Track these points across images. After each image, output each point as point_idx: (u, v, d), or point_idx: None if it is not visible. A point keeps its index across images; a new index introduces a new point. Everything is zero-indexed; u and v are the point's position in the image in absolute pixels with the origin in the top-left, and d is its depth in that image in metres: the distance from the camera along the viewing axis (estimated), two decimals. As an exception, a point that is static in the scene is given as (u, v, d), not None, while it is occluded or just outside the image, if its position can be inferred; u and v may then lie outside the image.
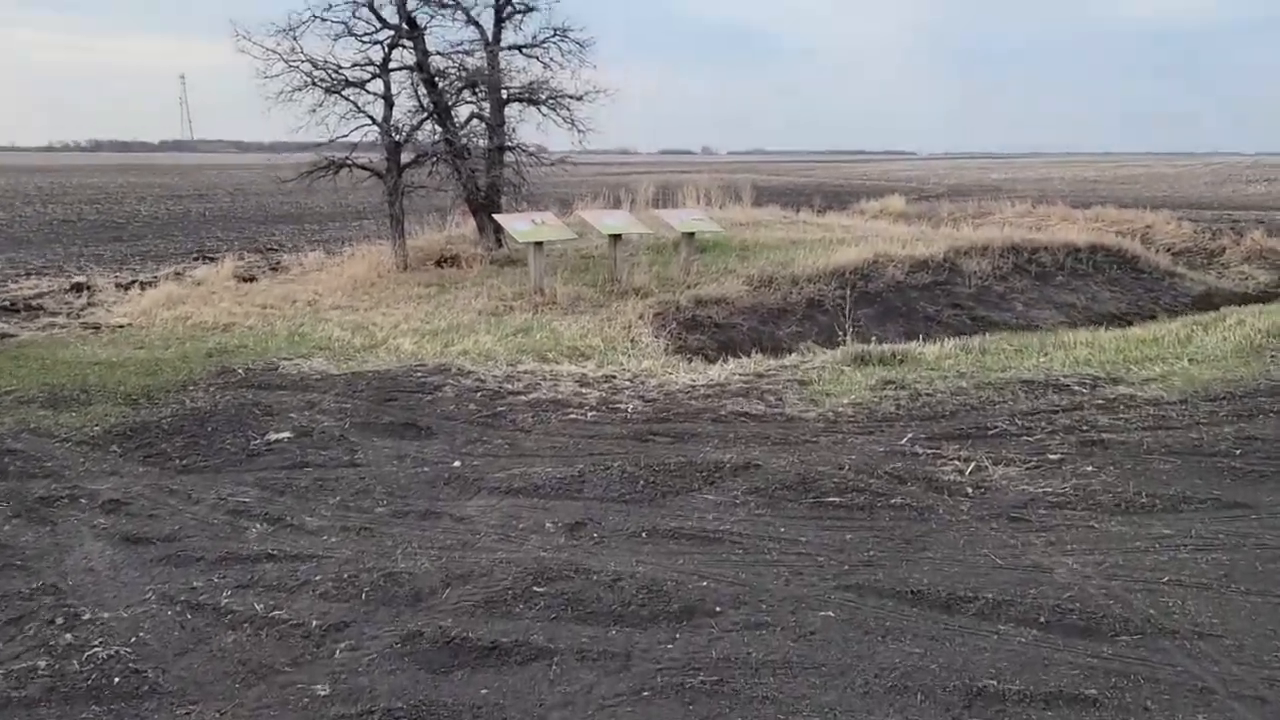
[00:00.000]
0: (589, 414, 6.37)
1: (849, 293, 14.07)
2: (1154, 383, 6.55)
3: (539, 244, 11.95)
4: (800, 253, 15.86)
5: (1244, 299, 17.78)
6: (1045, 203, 29.74)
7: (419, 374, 7.55)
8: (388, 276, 13.70)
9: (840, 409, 6.37)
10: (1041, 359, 7.60)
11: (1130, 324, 16.11)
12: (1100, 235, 19.40)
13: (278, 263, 16.59)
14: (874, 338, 13.18)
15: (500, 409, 6.53)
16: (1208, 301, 17.46)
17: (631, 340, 9.98)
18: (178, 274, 14.52)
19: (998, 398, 6.41)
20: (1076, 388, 6.51)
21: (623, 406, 6.56)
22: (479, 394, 6.93)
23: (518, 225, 11.98)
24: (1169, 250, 21.23)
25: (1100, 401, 6.18)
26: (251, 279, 13.86)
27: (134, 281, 13.76)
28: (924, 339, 13.91)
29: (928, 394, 6.64)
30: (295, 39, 13.64)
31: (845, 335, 9.31)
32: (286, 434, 5.92)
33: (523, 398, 6.86)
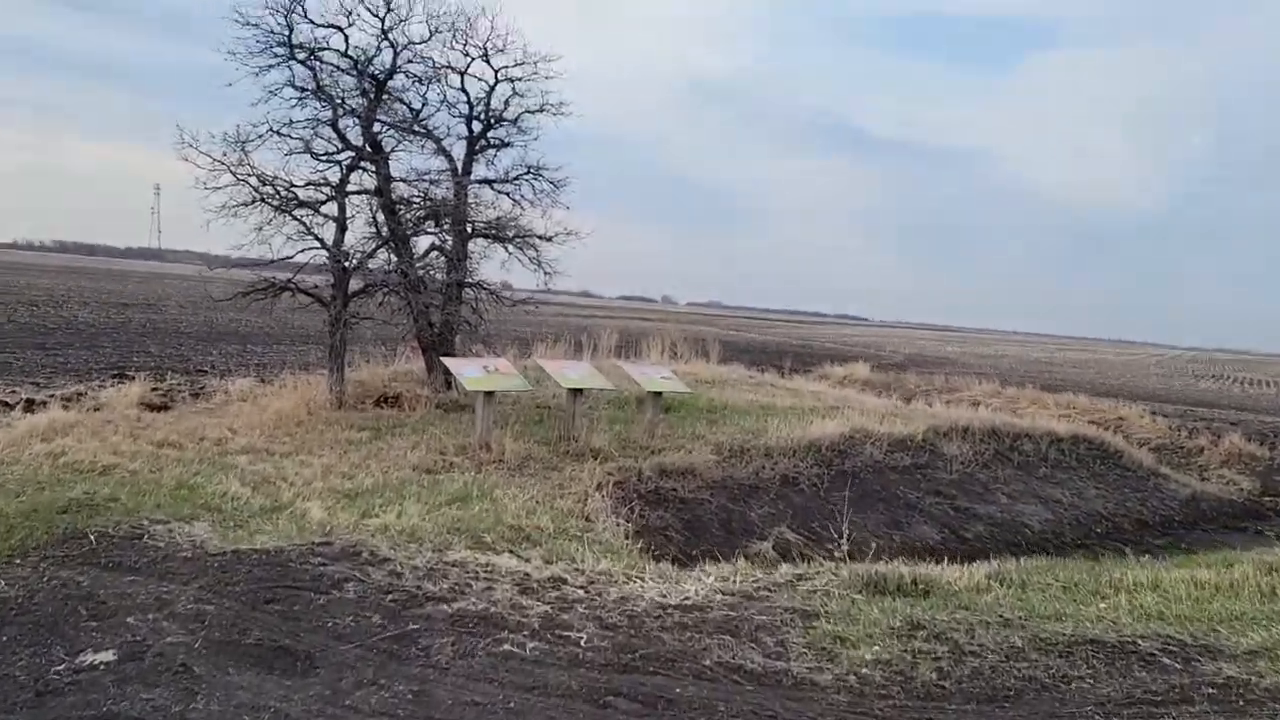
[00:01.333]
0: (529, 645, 4.84)
1: (826, 471, 12.85)
2: (1261, 658, 5.16)
3: (489, 394, 10.64)
4: (773, 421, 14.68)
5: (1234, 509, 16.85)
6: (1013, 384, 29.15)
7: (319, 559, 6.03)
8: (318, 415, 12.25)
9: (863, 669, 4.86)
10: (1101, 604, 6.21)
11: (1121, 527, 15.06)
12: (1081, 426, 18.50)
13: (201, 388, 15.08)
14: (854, 526, 11.91)
15: (413, 627, 4.99)
16: (1195, 507, 16.48)
17: (587, 517, 8.58)
18: (78, 395, 12.96)
19: (1069, 669, 4.93)
20: (1166, 660, 5.07)
21: (574, 635, 5.07)
22: (389, 598, 5.40)
23: (468, 371, 10.68)
24: (1145, 445, 20.41)
25: (1210, 689, 4.72)
26: (163, 406, 12.34)
27: (23, 401, 12.17)
28: (908, 527, 12.72)
29: (973, 650, 5.17)
30: (245, 151, 12.53)
31: (842, 540, 7.83)
32: (108, 655, 4.30)
33: (445, 607, 5.35)
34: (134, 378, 15.58)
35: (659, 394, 12.49)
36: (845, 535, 8.18)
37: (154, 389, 14.17)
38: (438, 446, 10.72)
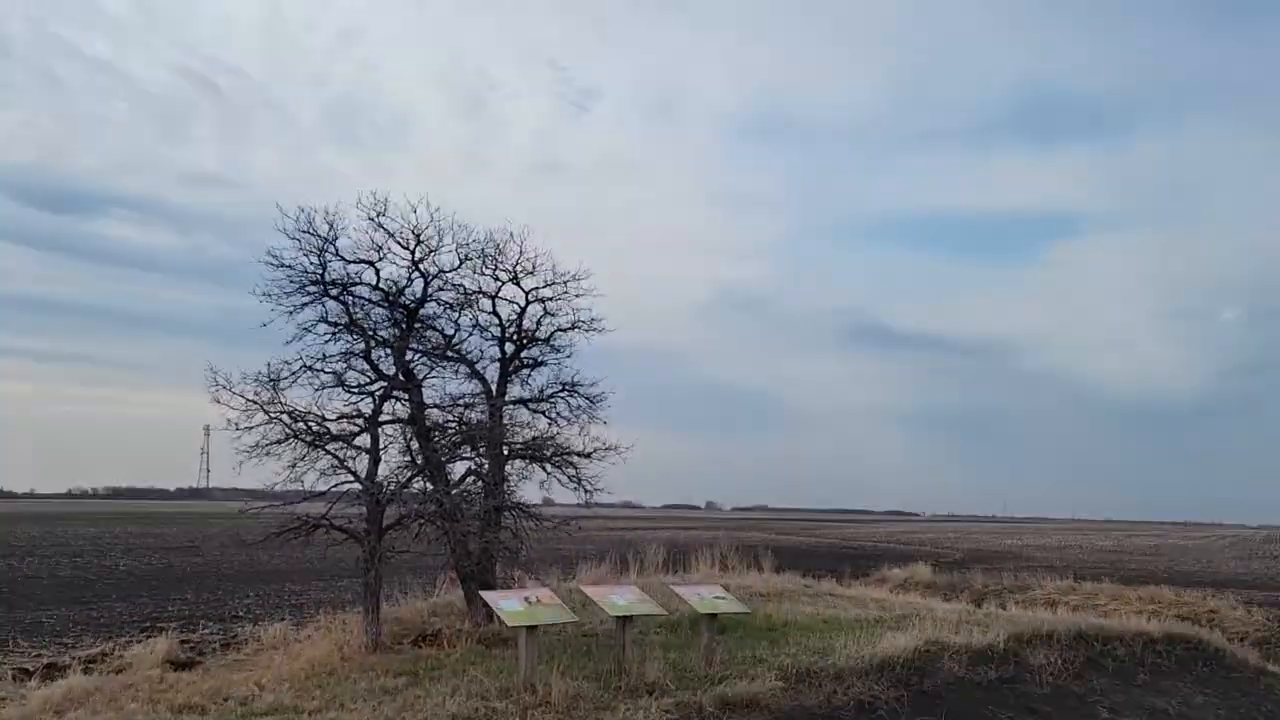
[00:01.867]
0: None
1: (905, 692, 11.72)
2: None
3: (532, 628, 9.86)
4: (839, 637, 13.63)
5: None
6: (1088, 578, 27.59)
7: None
8: (353, 660, 11.46)
9: None
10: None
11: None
12: (1174, 624, 17.12)
13: (234, 637, 14.37)
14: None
15: None
16: (1316, 706, 14.91)
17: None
18: (103, 655, 12.30)
19: None
20: None
21: None
22: None
23: (507, 604, 9.95)
24: (1244, 639, 18.84)
25: None
26: (189, 663, 11.64)
27: (43, 667, 11.51)
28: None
29: None
30: (277, 389, 12.35)
31: None
32: None
33: None
34: (165, 630, 14.92)
35: (714, 615, 11.61)
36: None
37: (184, 642, 13.50)
38: (479, 690, 9.86)
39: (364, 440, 13.07)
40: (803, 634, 14.16)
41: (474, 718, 9.03)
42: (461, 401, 14.51)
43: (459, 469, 14.56)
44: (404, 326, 13.43)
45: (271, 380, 12.43)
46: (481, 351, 15.54)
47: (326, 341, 13.31)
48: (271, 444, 12.42)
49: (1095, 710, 13.14)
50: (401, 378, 13.17)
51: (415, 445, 13.65)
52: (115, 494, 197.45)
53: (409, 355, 13.54)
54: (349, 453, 12.86)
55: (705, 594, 11.76)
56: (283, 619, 15.74)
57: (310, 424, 12.47)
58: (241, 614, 17.76)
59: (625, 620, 10.72)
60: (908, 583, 29.59)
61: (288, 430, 12.54)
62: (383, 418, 13.32)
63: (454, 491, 13.87)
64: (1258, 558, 64.20)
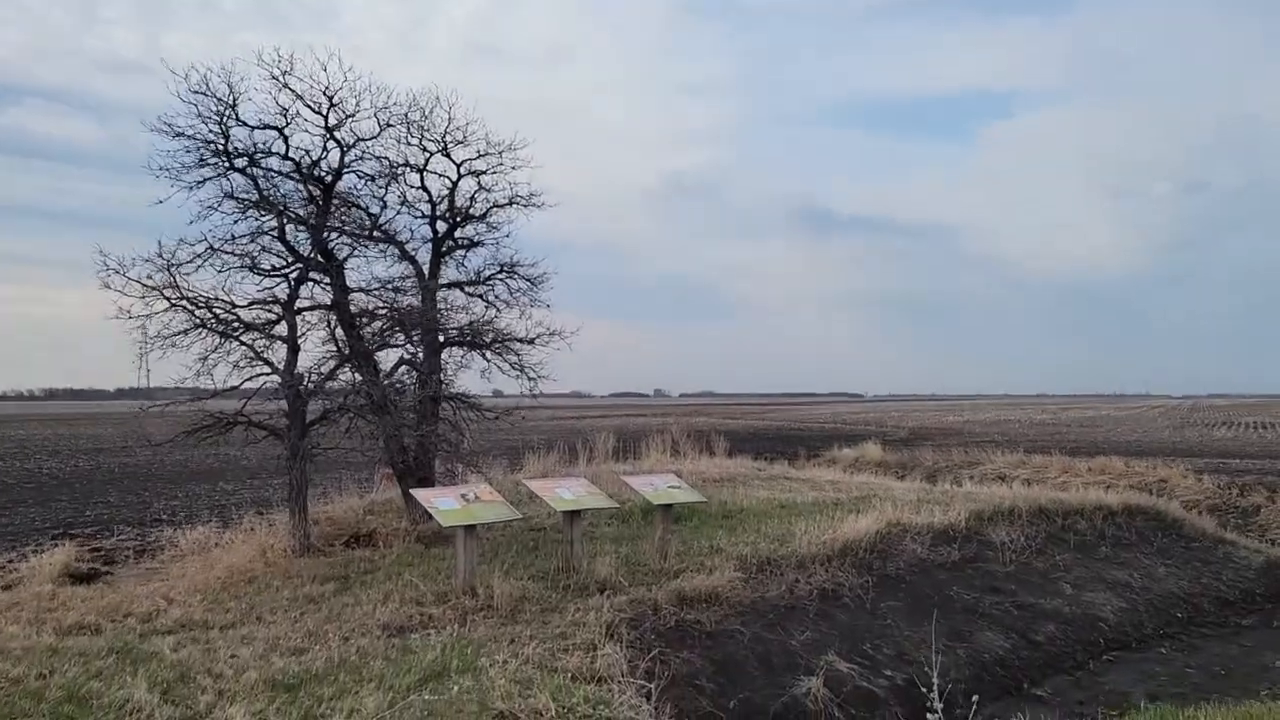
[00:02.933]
0: None
1: (868, 578, 11.15)
2: None
3: (470, 528, 8.99)
4: (797, 523, 13.02)
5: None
6: (1037, 451, 27.51)
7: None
8: (277, 566, 10.56)
9: None
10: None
11: (1201, 608, 13.28)
12: (1130, 495, 16.83)
13: (150, 543, 13.37)
14: (909, 643, 10.16)
15: None
16: (1274, 576, 14.75)
17: (598, 678, 6.87)
18: (-2, 567, 11.23)
19: None
20: None
21: None
22: None
23: (443, 503, 9.04)
24: (1196, 508, 18.71)
25: None
26: (91, 575, 10.63)
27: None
28: (970, 637, 10.93)
29: None
30: (173, 272, 11.07)
31: (931, 692, 5.75)
32: None
33: None
34: (77, 537, 13.88)
35: (669, 506, 10.85)
36: (936, 689, 6.05)
37: (94, 550, 12.49)
38: (414, 595, 9.03)
39: (282, 330, 11.89)
40: (760, 520, 13.54)
41: (407, 626, 8.21)
42: (391, 285, 13.32)
43: (390, 359, 13.50)
44: (320, 203, 12.13)
45: (169, 263, 11.13)
46: (411, 231, 14.32)
47: (235, 221, 12.00)
48: (176, 335, 11.22)
49: (1059, 586, 12.76)
50: (319, 259, 11.93)
51: (340, 334, 12.51)
52: (51, 395, 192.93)
53: (328, 235, 12.26)
54: (265, 343, 11.70)
55: (659, 484, 10.97)
56: (208, 522, 14.75)
57: (217, 311, 11.26)
58: (165, 517, 16.73)
59: (573, 515, 9.90)
60: (858, 462, 29.36)
61: (194, 319, 11.32)
62: (301, 304, 12.15)
63: (385, 383, 12.83)
64: (1190, 426, 65.76)
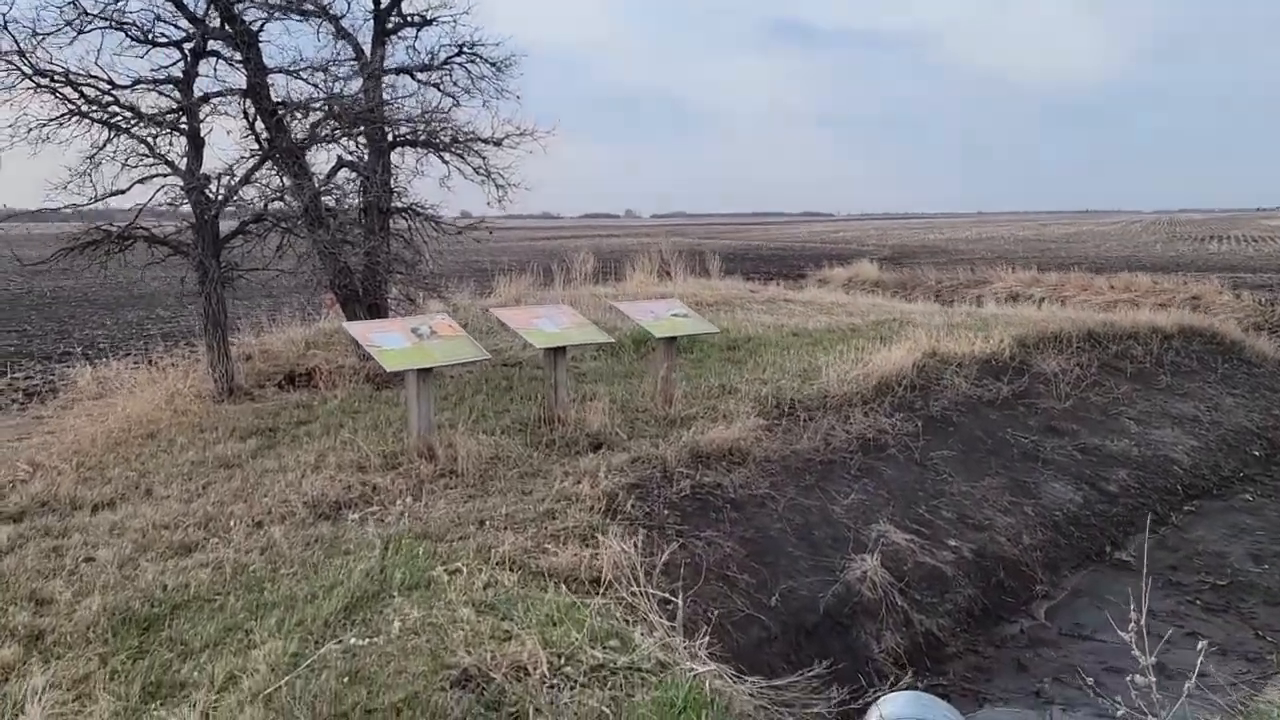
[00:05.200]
0: None
1: (911, 420, 9.27)
2: None
3: (424, 371, 6.88)
4: (816, 354, 11.07)
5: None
6: (1060, 268, 25.57)
7: None
8: (189, 415, 8.49)
9: None
10: None
11: (1278, 444, 11.63)
12: (1184, 316, 14.93)
13: (49, 384, 11.25)
14: (969, 502, 8.36)
15: None
16: (1347, 402, 13.09)
17: (600, 584, 4.95)
18: None
19: None
20: None
21: None
22: None
23: (386, 339, 6.87)
24: (1244, 327, 16.94)
25: None
26: (-48, 429, 8.51)
27: None
28: (1036, 490, 9.15)
29: None
30: (33, 45, 8.44)
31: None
32: None
33: None
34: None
35: (672, 339, 8.77)
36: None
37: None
38: (355, 457, 7.01)
39: (184, 124, 9.39)
40: (771, 352, 11.56)
41: (342, 502, 6.22)
42: (322, 67, 10.69)
43: (325, 162, 11.07)
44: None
45: (34, 33, 8.50)
46: (348, 2, 11.59)
47: None
48: (43, 125, 8.73)
49: (1122, 423, 11.01)
50: (221, 24, 9.29)
51: (260, 127, 10.02)
52: None
53: (237, 2, 9.56)
54: (162, 138, 9.23)
55: (660, 311, 8.86)
56: (126, 356, 12.59)
57: (90, 93, 8.72)
58: (83, 350, 14.54)
59: (557, 353, 7.79)
60: (852, 282, 27.35)
61: (66, 104, 8.80)
62: (207, 86, 9.58)
63: (322, 190, 10.46)
64: (1178, 240, 64.17)
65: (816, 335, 12.83)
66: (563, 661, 3.79)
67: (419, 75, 12.11)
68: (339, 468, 6.80)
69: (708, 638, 4.67)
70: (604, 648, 4.05)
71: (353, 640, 3.85)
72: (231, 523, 5.60)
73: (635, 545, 5.49)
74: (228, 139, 9.99)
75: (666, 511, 6.42)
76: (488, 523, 5.80)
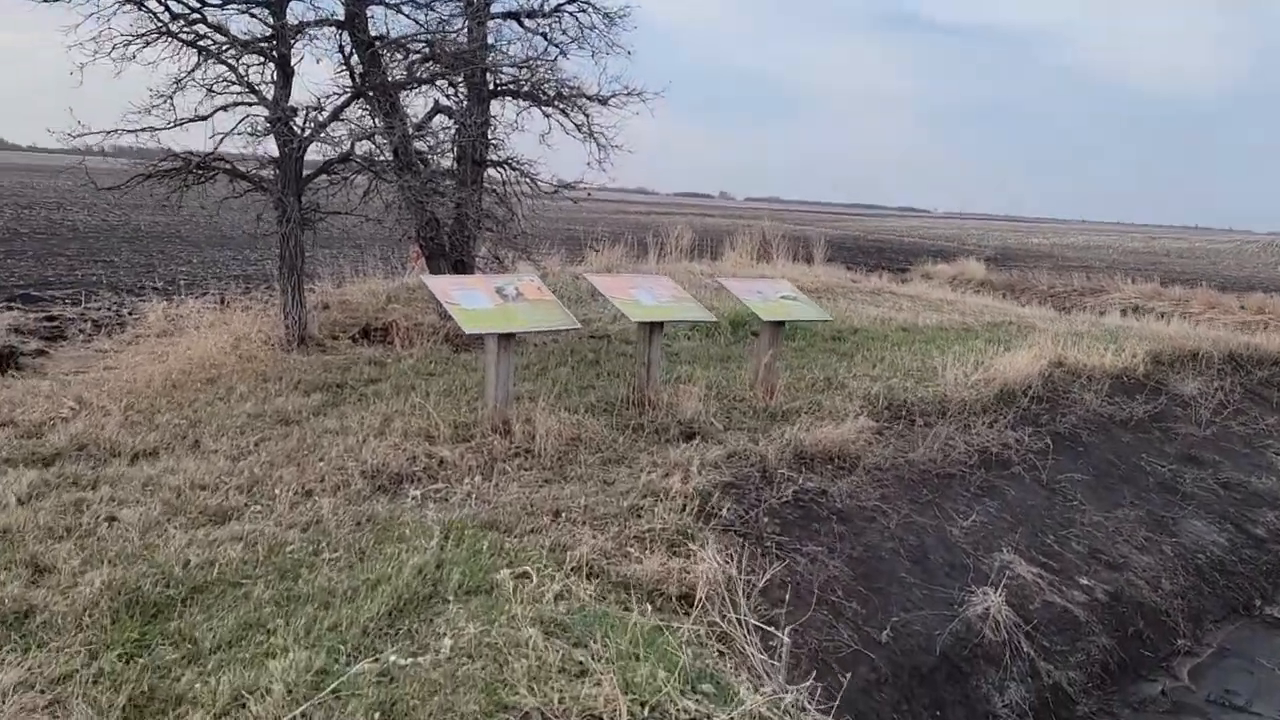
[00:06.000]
0: None
1: (1036, 436, 8.29)
2: None
3: (506, 337, 6.17)
4: (929, 352, 10.13)
5: None
6: (1178, 282, 23.91)
7: None
8: (254, 363, 7.94)
9: None
10: None
11: None
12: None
13: (120, 315, 10.87)
14: (1103, 535, 7.38)
15: None
16: None
17: (690, 606, 4.18)
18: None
19: None
20: None
21: None
22: None
23: (467, 298, 6.18)
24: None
25: None
26: (8, 354, 8.05)
27: None
28: (1175, 527, 8.13)
29: None
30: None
31: None
32: None
33: None
34: (39, 300, 11.42)
35: (780, 324, 7.92)
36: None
37: (47, 320, 10.00)
38: (423, 425, 6.34)
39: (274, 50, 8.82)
40: (879, 346, 10.64)
41: (404, 475, 5.55)
42: (425, 2, 10.03)
43: (422, 106, 10.46)
44: None
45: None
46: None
47: None
48: (127, 42, 8.21)
49: (1268, 457, 9.87)
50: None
51: (355, 61, 9.42)
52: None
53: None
54: (249, 63, 8.68)
55: (769, 292, 8.01)
56: (204, 294, 12.22)
57: (176, 8, 8.17)
58: (165, 285, 14.24)
59: (653, 328, 7.01)
60: (957, 280, 25.98)
61: (155, 21, 8.28)
62: (303, 14, 8.99)
63: (414, 135, 9.85)
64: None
65: (928, 333, 11.86)
66: (646, 712, 3.03)
67: (526, 22, 11.40)
68: (404, 435, 6.14)
69: (813, 678, 3.88)
70: (696, 693, 3.28)
71: (393, 658, 3.15)
72: (278, 489, 4.97)
73: (733, 559, 4.72)
74: (319, 70, 9.38)
75: (766, 519, 5.62)
76: (564, 515, 5.08)
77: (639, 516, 5.17)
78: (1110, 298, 22.02)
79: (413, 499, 5.23)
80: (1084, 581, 6.53)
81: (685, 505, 5.38)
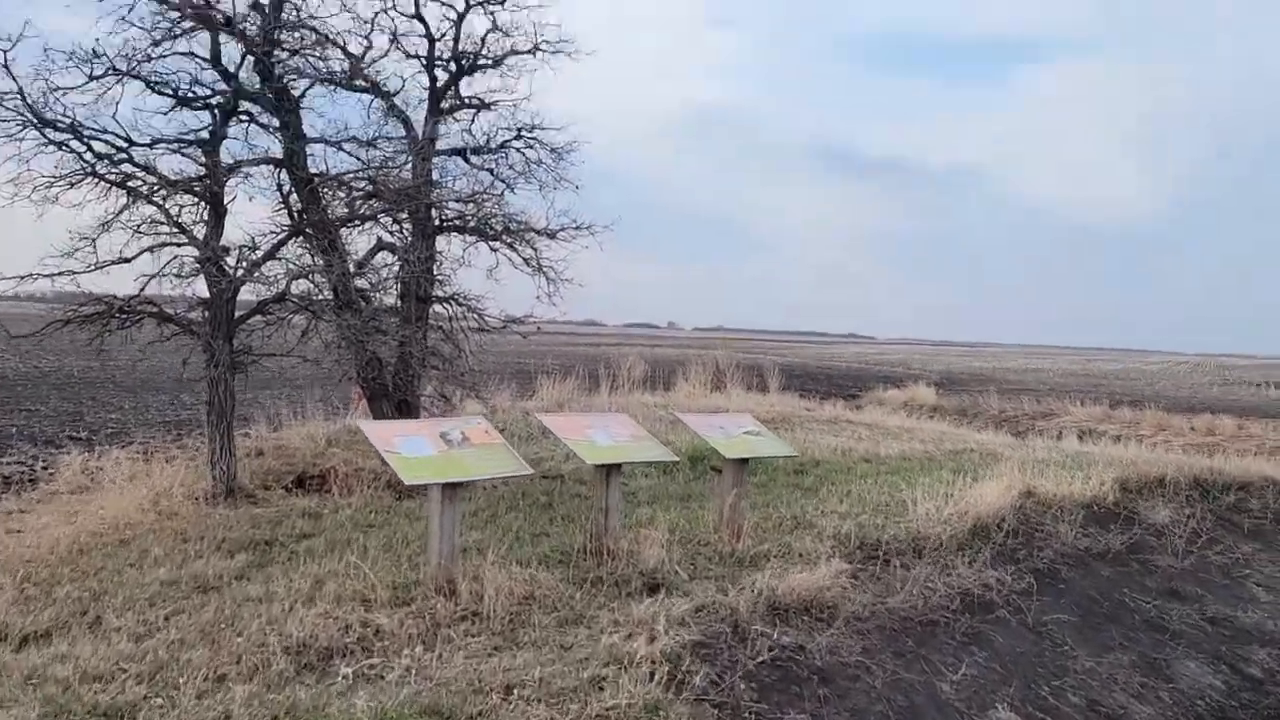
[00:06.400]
0: None
1: (1016, 574, 7.85)
2: None
3: (451, 487, 5.64)
4: (896, 485, 9.75)
5: None
6: (1128, 404, 24.07)
7: None
8: (177, 519, 7.30)
9: None
10: None
11: None
12: (1300, 465, 13.42)
13: (36, 470, 10.16)
14: (1097, 682, 6.88)
15: None
16: None
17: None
18: None
19: None
20: None
21: None
22: None
23: (408, 445, 5.67)
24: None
25: None
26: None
27: None
28: (1168, 670, 7.66)
29: None
30: (44, 95, 7.57)
31: None
32: None
33: None
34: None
35: (744, 461, 7.49)
36: None
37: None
38: (359, 586, 5.73)
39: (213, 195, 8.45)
40: (844, 479, 10.25)
41: (336, 648, 4.93)
42: (369, 143, 9.80)
43: (363, 244, 10.15)
44: (267, 8, 8.57)
45: (45, 79, 7.64)
46: (402, 79, 10.83)
47: (155, 42, 8.39)
48: (49, 184, 7.81)
49: (1248, 589, 9.49)
50: (259, 86, 8.40)
51: (294, 199, 9.10)
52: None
53: (274, 56, 8.70)
54: (179, 202, 8.29)
55: (731, 428, 7.60)
56: (131, 443, 11.54)
57: (103, 151, 7.80)
58: (89, 434, 13.49)
59: (611, 470, 6.53)
60: (908, 405, 25.91)
61: (80, 162, 7.90)
62: (238, 153, 8.69)
63: (356, 274, 9.49)
64: (1232, 384, 61.73)
65: (892, 463, 11.51)
66: None
67: (473, 158, 11.27)
68: (338, 600, 5.53)
69: None
70: None
71: None
72: (184, 676, 4.32)
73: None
74: (254, 208, 9.00)
75: (743, 685, 5.05)
76: (516, 691, 4.48)
77: (601, 689, 4.60)
78: (1061, 420, 22.00)
79: (343, 678, 4.61)
80: (1088, 743, 6.00)
81: (653, 673, 4.82)
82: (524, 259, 11.08)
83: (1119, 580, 8.71)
